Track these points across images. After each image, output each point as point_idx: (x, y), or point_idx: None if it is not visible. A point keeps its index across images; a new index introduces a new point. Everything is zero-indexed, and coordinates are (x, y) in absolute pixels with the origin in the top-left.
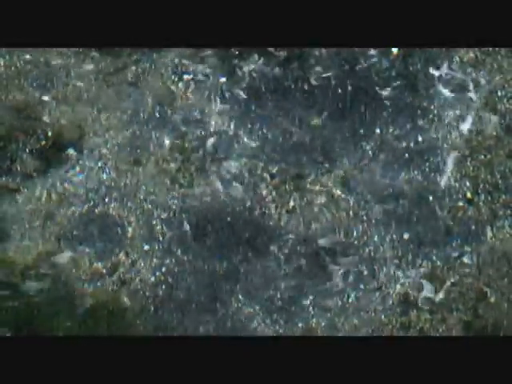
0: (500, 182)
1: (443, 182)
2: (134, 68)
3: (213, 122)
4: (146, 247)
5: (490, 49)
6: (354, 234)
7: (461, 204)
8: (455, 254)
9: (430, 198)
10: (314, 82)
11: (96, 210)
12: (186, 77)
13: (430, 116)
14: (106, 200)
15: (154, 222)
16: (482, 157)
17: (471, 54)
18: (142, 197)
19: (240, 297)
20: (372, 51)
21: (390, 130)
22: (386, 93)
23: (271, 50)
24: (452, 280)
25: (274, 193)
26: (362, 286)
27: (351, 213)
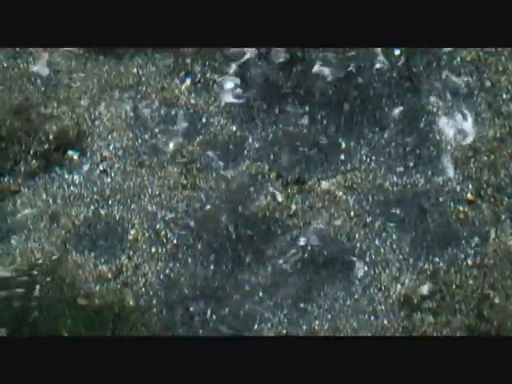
0: (503, 183)
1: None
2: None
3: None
4: (150, 249)
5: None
6: (357, 236)
7: (462, 206)
8: (458, 256)
9: (432, 199)
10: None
11: (101, 212)
12: (189, 78)
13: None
14: (110, 202)
15: (158, 225)
16: (485, 158)
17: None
18: (146, 199)
19: (245, 296)
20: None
21: (391, 134)
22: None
23: (273, 51)
24: (456, 282)
25: (279, 195)
26: (364, 289)
27: (353, 215)
